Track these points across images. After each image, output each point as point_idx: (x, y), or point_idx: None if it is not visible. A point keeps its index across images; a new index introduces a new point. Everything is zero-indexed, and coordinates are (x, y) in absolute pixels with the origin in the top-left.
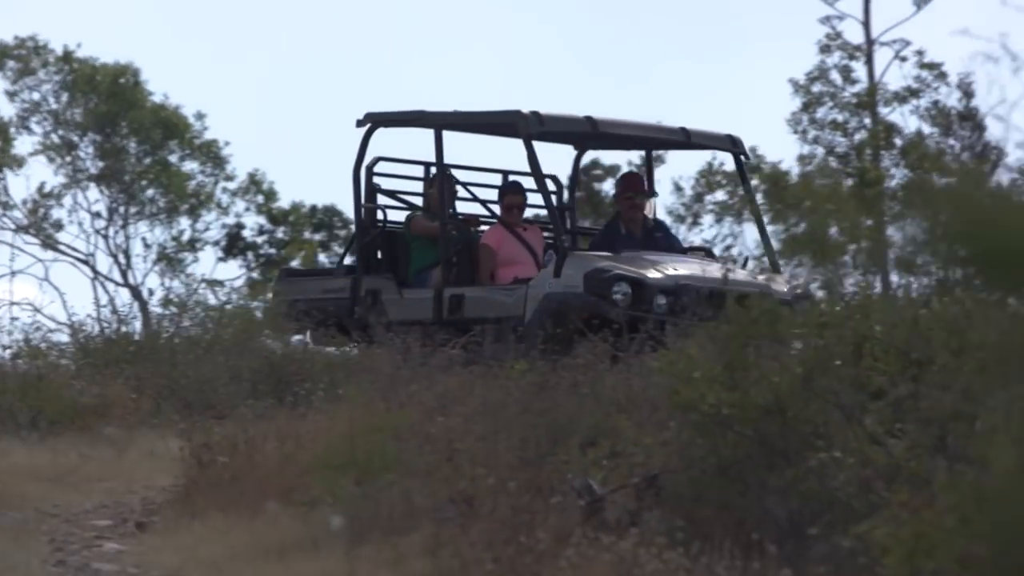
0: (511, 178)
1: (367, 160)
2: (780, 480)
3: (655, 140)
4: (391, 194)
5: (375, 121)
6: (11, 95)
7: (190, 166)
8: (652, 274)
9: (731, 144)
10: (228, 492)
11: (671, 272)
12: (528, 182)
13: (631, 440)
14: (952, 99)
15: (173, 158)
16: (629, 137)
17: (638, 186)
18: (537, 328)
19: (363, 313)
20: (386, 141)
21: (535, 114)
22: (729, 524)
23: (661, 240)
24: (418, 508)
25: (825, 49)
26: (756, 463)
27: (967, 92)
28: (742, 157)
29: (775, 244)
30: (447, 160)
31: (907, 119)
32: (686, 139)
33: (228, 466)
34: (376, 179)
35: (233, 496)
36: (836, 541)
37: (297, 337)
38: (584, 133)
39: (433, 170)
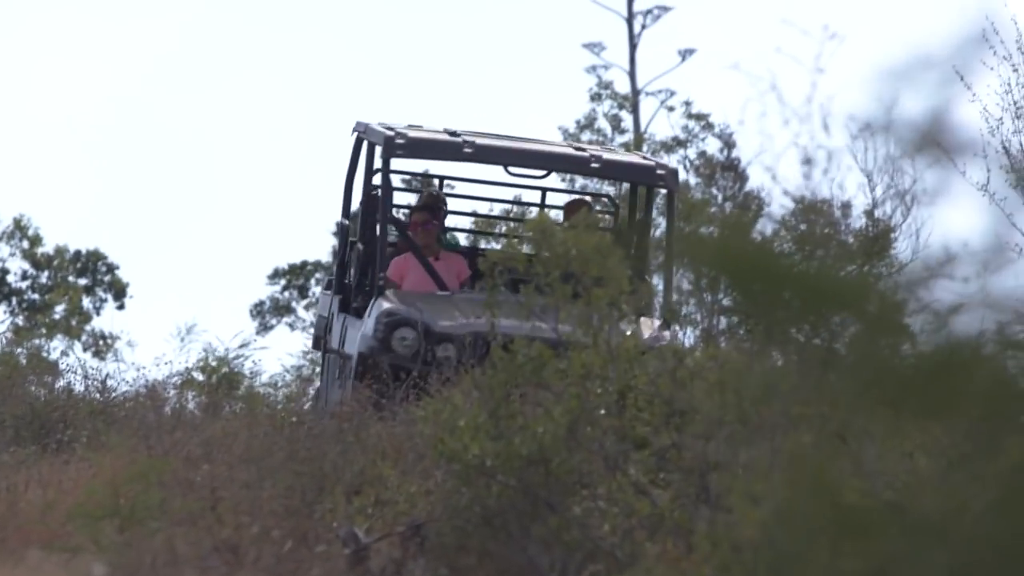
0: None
1: (362, 171)
2: (543, 529)
3: (550, 165)
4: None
5: (360, 131)
6: None
7: None
8: (446, 320)
9: (656, 177)
10: None
11: (474, 319)
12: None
13: (396, 489)
14: (716, 149)
15: None
16: (515, 160)
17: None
18: (357, 369)
19: (322, 336)
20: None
21: (396, 133)
22: (493, 573)
23: None
24: (182, 556)
25: (596, 97)
26: (520, 512)
27: (728, 143)
28: (671, 191)
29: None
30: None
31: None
32: (597, 166)
33: None
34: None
35: None
36: None
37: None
38: (457, 152)
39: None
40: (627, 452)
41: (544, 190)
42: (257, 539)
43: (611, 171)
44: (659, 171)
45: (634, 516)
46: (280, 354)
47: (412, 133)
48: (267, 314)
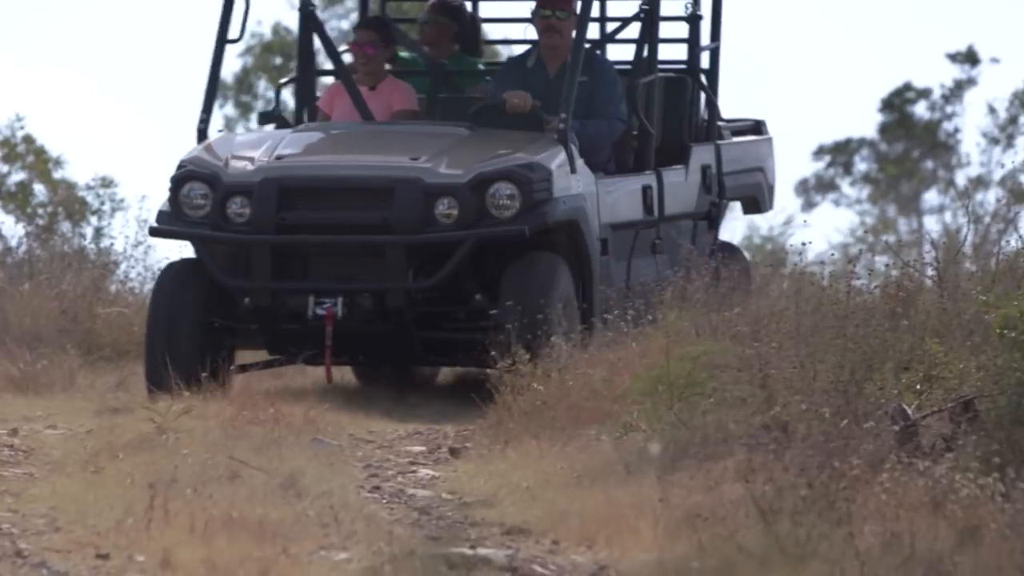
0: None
1: None
2: None
3: None
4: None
5: None
6: None
7: None
8: (242, 166)
9: None
10: (540, 419)
11: (272, 160)
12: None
13: (945, 365)
14: None
15: None
16: None
17: (558, 1)
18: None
19: None
20: None
21: None
22: None
23: (584, 87)
24: (732, 434)
25: None
26: None
27: None
28: None
29: None
30: None
31: None
32: None
33: (540, 393)
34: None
35: (545, 423)
36: None
37: None
38: None
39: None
40: None
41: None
42: (806, 416)
43: None
44: None
45: None
46: (826, 231)
47: None
48: (811, 191)
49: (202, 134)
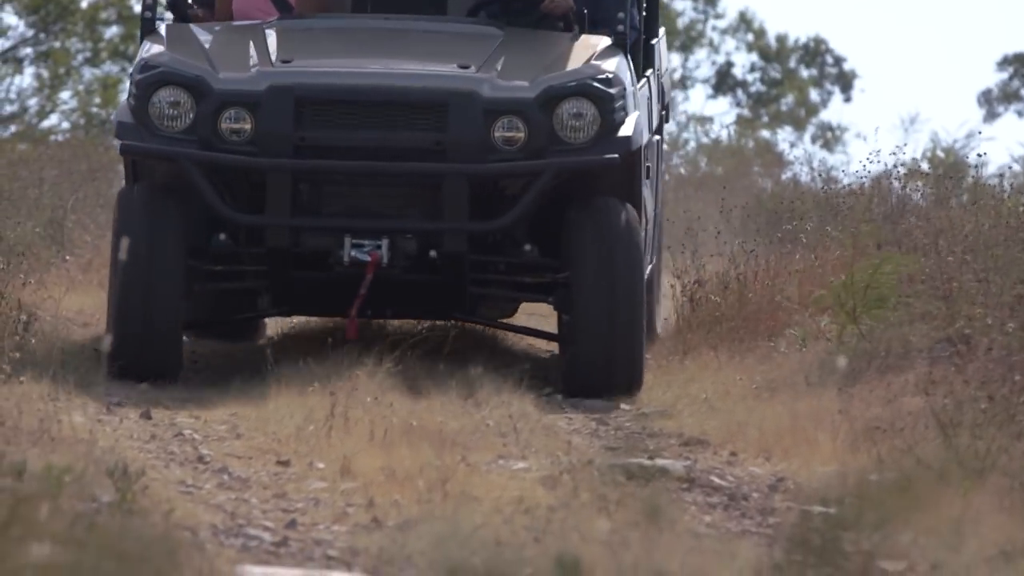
0: None
1: None
2: None
3: None
4: None
5: None
6: None
7: (681, 4)
8: (235, 71)
9: None
10: (719, 330)
11: (280, 65)
12: None
13: None
14: None
15: None
16: None
17: None
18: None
19: None
20: None
21: None
22: None
23: None
24: (914, 346)
25: None
26: None
27: None
28: None
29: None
30: None
31: None
32: None
33: (720, 304)
34: None
35: (724, 334)
36: None
37: None
38: None
39: None
40: None
41: None
42: (989, 330)
43: None
44: None
45: None
46: (1008, 143)
47: None
48: (994, 102)
49: (149, 24)
